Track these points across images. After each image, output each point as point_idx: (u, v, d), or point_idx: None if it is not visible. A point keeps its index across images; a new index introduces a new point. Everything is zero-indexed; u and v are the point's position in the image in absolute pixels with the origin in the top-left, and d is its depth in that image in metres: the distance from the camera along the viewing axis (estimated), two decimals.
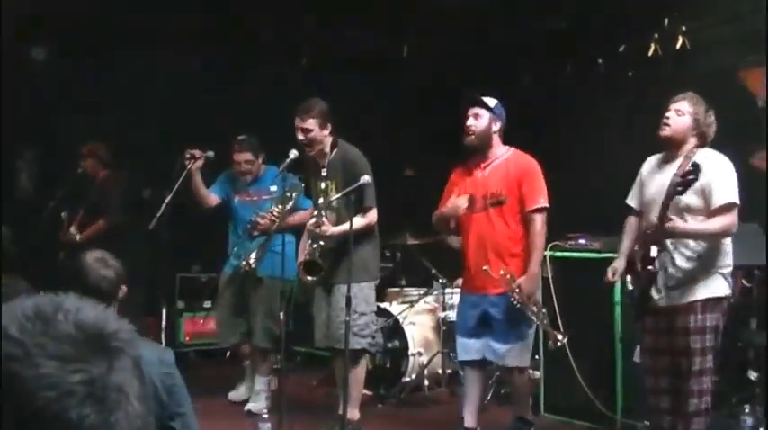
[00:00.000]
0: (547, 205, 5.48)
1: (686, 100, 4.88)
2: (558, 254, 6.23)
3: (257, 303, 6.68)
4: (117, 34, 8.37)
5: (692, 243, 4.75)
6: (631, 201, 5.20)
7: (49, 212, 7.59)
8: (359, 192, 5.64)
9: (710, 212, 4.68)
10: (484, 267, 5.47)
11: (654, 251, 4.84)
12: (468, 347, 5.61)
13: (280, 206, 6.30)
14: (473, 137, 5.60)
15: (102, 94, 8.58)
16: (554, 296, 5.96)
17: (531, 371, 5.95)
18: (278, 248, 6.13)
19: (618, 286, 5.91)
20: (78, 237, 7.36)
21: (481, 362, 5.63)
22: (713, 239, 4.74)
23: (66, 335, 1.12)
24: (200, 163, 6.60)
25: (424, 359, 7.24)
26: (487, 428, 6.02)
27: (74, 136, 7.90)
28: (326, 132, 5.87)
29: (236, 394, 7.01)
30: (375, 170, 5.80)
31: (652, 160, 5.11)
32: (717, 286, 4.76)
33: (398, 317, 7.37)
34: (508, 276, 5.39)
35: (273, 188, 6.58)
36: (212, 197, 6.86)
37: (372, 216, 5.85)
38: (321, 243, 5.73)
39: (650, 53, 8.08)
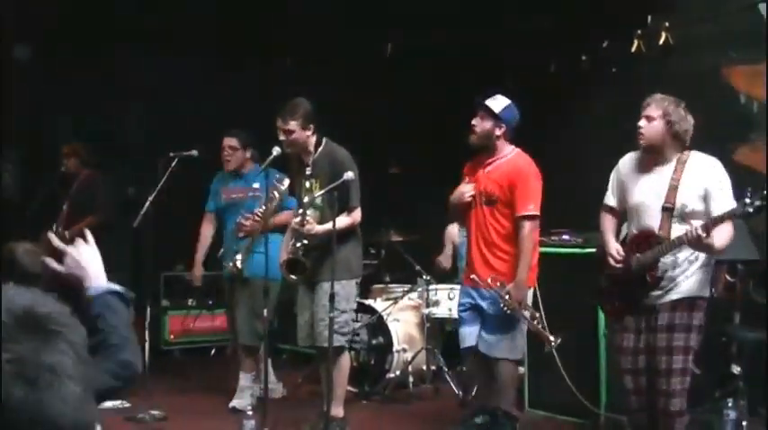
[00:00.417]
0: (537, 213, 5.49)
1: (653, 104, 4.82)
2: (542, 250, 6.24)
3: (242, 302, 6.71)
4: (101, 34, 8.36)
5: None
6: (611, 201, 5.13)
7: (33, 211, 7.57)
8: (343, 191, 5.65)
9: (713, 220, 4.55)
10: (472, 276, 5.56)
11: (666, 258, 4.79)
12: (466, 336, 5.70)
13: (264, 206, 6.30)
14: (474, 137, 5.68)
15: (86, 93, 8.57)
16: (538, 291, 5.97)
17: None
18: (263, 249, 6.18)
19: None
20: (67, 234, 7.34)
21: (478, 351, 5.70)
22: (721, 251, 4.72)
23: None
24: None
25: (409, 355, 7.24)
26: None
27: (57, 136, 7.88)
28: (309, 133, 5.89)
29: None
30: (360, 167, 5.81)
31: (629, 159, 5.04)
32: (701, 284, 4.77)
33: (383, 313, 7.37)
34: (498, 283, 5.43)
35: (256, 185, 6.60)
36: (211, 227, 7.01)
37: (357, 215, 5.86)
38: (305, 241, 5.74)
39: (633, 50, 8.10)
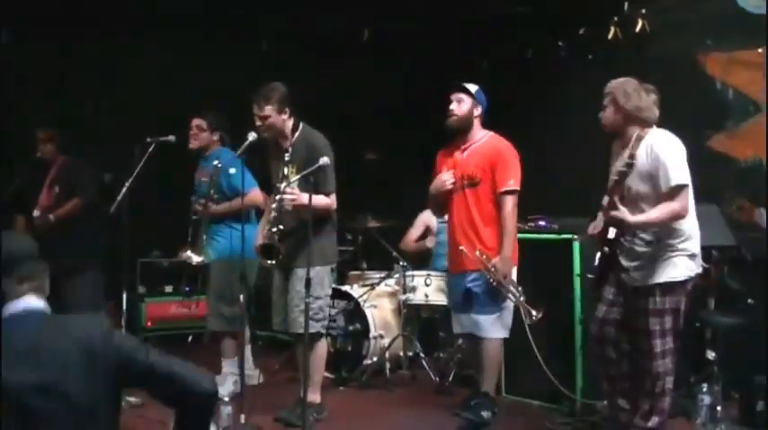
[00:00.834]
0: (517, 188, 5.63)
1: (606, 92, 4.90)
2: (519, 235, 6.26)
3: (209, 288, 6.68)
4: (74, 18, 8.28)
5: None
6: None
7: (9, 197, 7.51)
8: (319, 177, 5.62)
9: (661, 197, 4.68)
10: (460, 247, 5.67)
11: (611, 233, 4.89)
12: (460, 322, 5.84)
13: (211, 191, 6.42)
14: (455, 119, 5.80)
15: (61, 78, 8.50)
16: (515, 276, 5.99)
17: None
18: (222, 233, 6.38)
19: (577, 269, 5.98)
20: (52, 217, 7.27)
21: (472, 336, 5.78)
22: (664, 226, 4.75)
23: None
24: None
25: (386, 342, 7.24)
26: (450, 409, 6.05)
27: (31, 121, 7.80)
28: (285, 116, 5.86)
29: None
30: (336, 153, 5.78)
31: (616, 144, 5.11)
32: (677, 269, 4.77)
33: (359, 299, 7.37)
34: (484, 257, 5.57)
35: (216, 163, 6.52)
36: None
37: (332, 201, 5.84)
38: (280, 226, 5.72)
39: (610, 37, 8.13)
